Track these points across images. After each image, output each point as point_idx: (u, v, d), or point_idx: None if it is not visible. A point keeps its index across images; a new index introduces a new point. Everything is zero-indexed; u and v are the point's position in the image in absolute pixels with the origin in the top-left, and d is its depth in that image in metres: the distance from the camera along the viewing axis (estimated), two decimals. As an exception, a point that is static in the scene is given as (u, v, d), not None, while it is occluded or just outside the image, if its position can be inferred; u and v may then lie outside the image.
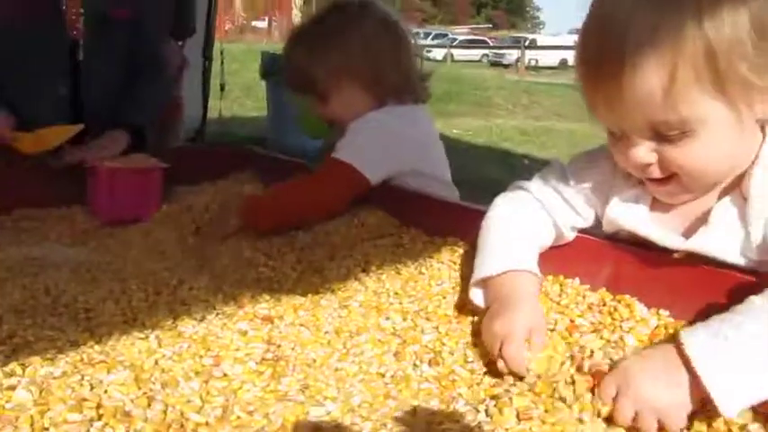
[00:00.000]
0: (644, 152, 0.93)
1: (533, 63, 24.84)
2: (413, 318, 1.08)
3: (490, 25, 52.85)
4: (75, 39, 1.97)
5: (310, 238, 1.44)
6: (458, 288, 1.16)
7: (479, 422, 0.80)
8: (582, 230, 1.14)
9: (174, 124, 3.06)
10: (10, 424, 0.74)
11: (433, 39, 29.41)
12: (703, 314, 0.87)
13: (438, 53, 23.93)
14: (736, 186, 0.94)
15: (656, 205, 1.03)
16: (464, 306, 1.11)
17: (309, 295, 1.16)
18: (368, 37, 1.61)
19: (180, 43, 3.76)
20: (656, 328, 0.93)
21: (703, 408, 0.77)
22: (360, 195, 1.53)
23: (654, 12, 0.86)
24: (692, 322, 0.88)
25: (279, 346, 0.99)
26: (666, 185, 0.97)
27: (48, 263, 1.36)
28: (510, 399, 0.82)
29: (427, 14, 54.03)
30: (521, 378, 0.89)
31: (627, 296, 1.01)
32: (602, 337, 0.94)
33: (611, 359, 0.87)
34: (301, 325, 1.05)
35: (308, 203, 1.54)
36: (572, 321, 0.99)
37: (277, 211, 1.55)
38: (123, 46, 2.02)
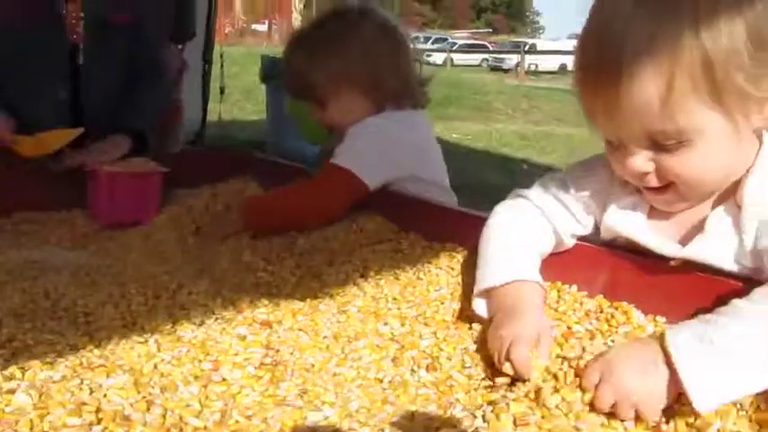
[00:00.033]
0: (641, 161, 0.94)
1: (533, 68, 24.86)
2: (411, 323, 1.09)
3: (490, 30, 52.89)
4: (75, 43, 1.97)
5: (309, 244, 1.45)
6: (456, 294, 1.17)
7: (476, 427, 0.80)
8: (580, 237, 1.14)
9: (173, 128, 3.06)
10: (10, 428, 0.74)
11: (432, 43, 29.47)
12: (699, 321, 0.87)
13: (438, 57, 23.95)
14: (732, 194, 0.95)
15: (654, 213, 1.04)
16: (462, 312, 1.12)
17: (308, 300, 1.16)
18: (367, 43, 1.62)
19: (180, 46, 3.77)
20: (652, 334, 0.94)
21: (679, 402, 0.80)
22: (358, 201, 1.54)
23: (651, 21, 0.86)
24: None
25: (277, 350, 0.99)
26: (664, 194, 0.98)
27: (48, 266, 1.36)
28: (507, 404, 0.82)
29: (427, 19, 54.09)
30: (524, 381, 0.89)
31: (624, 303, 1.02)
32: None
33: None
34: (300, 330, 1.06)
35: (306, 208, 1.54)
36: (569, 328, 0.99)
37: (276, 214, 1.56)
38: (123, 50, 2.03)
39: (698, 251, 0.96)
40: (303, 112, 1.74)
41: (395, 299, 1.17)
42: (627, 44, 0.86)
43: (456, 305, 1.13)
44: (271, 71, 6.68)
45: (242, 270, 1.36)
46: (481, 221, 1.18)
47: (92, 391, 0.83)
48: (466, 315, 1.10)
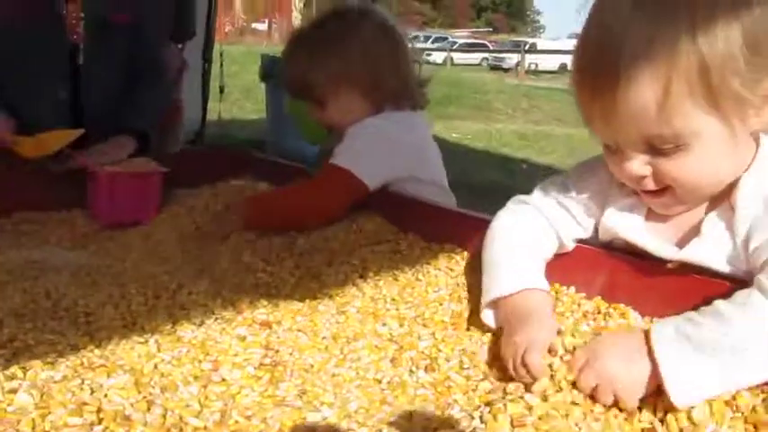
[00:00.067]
0: (638, 165, 0.95)
1: (533, 67, 24.88)
2: (410, 324, 1.09)
3: (490, 29, 52.88)
4: (75, 43, 1.98)
5: (309, 244, 1.45)
6: (454, 295, 1.18)
7: (474, 428, 0.81)
8: (579, 240, 1.15)
9: (174, 127, 3.07)
10: (12, 427, 0.75)
11: (432, 42, 29.46)
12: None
13: (438, 56, 23.95)
14: (728, 197, 0.95)
15: (651, 215, 1.05)
16: (461, 313, 1.12)
17: (307, 301, 1.17)
18: (367, 43, 1.63)
19: (180, 46, 3.77)
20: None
21: (658, 394, 0.82)
22: (358, 201, 1.54)
23: (648, 26, 0.87)
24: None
25: (277, 351, 1.00)
26: (661, 197, 0.98)
27: (48, 266, 1.37)
28: (504, 405, 0.83)
29: (427, 17, 54.05)
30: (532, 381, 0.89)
31: (621, 305, 1.03)
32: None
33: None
34: (299, 330, 1.06)
35: (306, 208, 1.55)
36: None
37: (275, 214, 1.57)
38: (123, 50, 2.03)
39: (694, 254, 0.96)
40: (302, 112, 1.74)
41: (393, 300, 1.17)
42: (624, 49, 0.87)
43: (454, 306, 1.14)
44: (271, 70, 6.68)
45: (242, 270, 1.37)
46: (480, 223, 1.19)
47: (93, 391, 0.84)
48: (464, 317, 1.11)
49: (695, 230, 0.98)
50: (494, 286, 1.05)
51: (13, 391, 0.81)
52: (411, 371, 0.98)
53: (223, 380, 0.91)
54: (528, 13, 70.83)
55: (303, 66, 1.65)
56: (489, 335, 1.06)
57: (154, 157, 1.86)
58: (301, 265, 1.38)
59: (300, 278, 1.33)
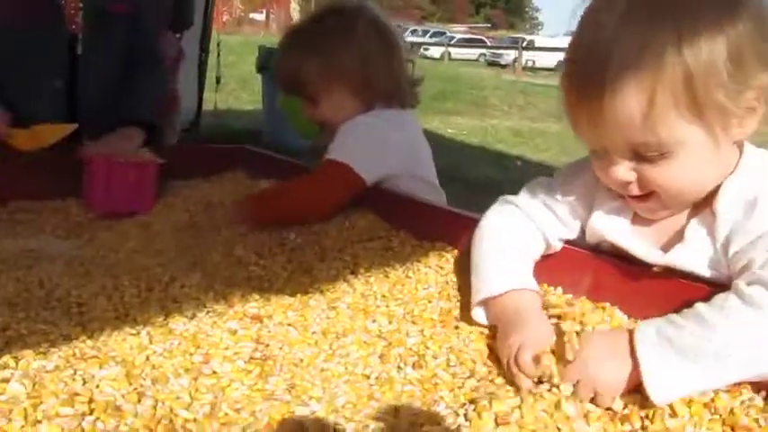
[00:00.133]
0: (624, 171, 0.97)
1: (530, 64, 24.85)
2: (399, 321, 1.11)
3: (489, 25, 52.84)
4: (73, 33, 1.98)
5: (301, 239, 1.46)
6: (444, 293, 1.19)
7: (459, 425, 0.82)
8: (566, 241, 1.17)
9: (170, 117, 3.07)
10: (4, 416, 0.76)
11: (430, 37, 29.47)
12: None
13: (435, 51, 23.94)
14: (710, 203, 0.97)
15: (637, 219, 1.07)
16: (449, 311, 1.14)
17: (298, 295, 1.18)
18: (361, 42, 1.64)
19: (177, 35, 3.77)
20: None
21: (637, 391, 0.85)
22: (356, 196, 1.55)
23: (636, 36, 0.88)
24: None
25: (267, 345, 1.01)
26: (646, 202, 1.00)
27: (42, 255, 1.38)
28: (489, 403, 0.84)
29: (426, 12, 53.99)
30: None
31: (607, 304, 1.05)
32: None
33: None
34: (290, 325, 1.08)
35: (307, 203, 1.56)
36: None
37: (277, 210, 1.57)
38: (122, 40, 2.03)
39: (678, 258, 0.99)
40: (295, 108, 1.75)
41: (384, 296, 1.19)
42: (611, 59, 0.89)
43: (443, 304, 1.16)
44: (267, 62, 6.68)
45: (234, 264, 1.38)
46: (471, 222, 1.20)
47: (84, 382, 0.85)
48: (452, 314, 1.12)
49: (679, 235, 1.00)
50: (483, 286, 1.07)
51: (6, 381, 0.82)
52: (399, 367, 0.99)
53: (213, 373, 0.93)
54: (526, 9, 70.81)
55: (296, 62, 1.66)
56: (477, 333, 1.07)
57: (152, 149, 1.86)
58: (293, 259, 1.39)
59: (292, 273, 1.34)
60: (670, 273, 1.00)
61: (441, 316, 1.12)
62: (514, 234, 1.12)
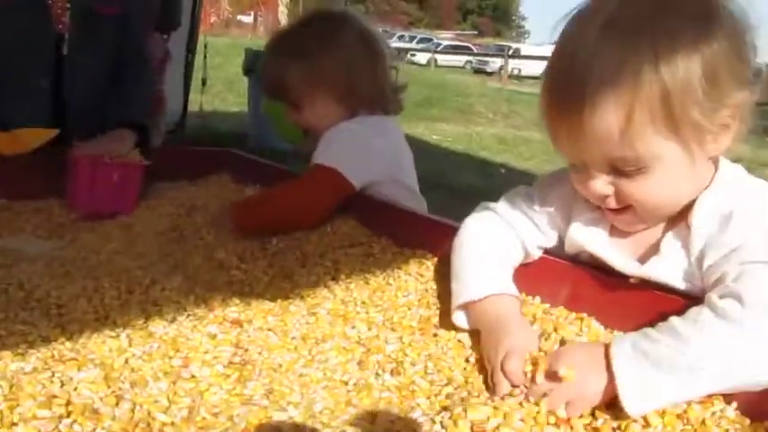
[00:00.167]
0: (601, 185, 0.98)
1: (516, 72, 24.99)
2: (378, 328, 1.12)
3: (476, 32, 53.05)
4: (60, 33, 1.97)
5: (283, 244, 1.47)
6: (423, 300, 1.20)
7: (435, 432, 0.83)
8: (545, 251, 1.18)
9: (156, 118, 3.06)
10: (-20, 418, 0.76)
11: (417, 42, 29.53)
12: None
13: (422, 57, 23.98)
14: (686, 216, 0.99)
15: (615, 230, 1.08)
16: (428, 318, 1.15)
17: (279, 301, 1.19)
18: (345, 49, 1.65)
19: (164, 36, 3.76)
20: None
21: (612, 404, 0.86)
22: (344, 201, 1.56)
23: (614, 54, 0.90)
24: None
25: (246, 350, 1.01)
26: (623, 215, 1.02)
27: (22, 256, 1.37)
28: (464, 411, 0.85)
29: (413, 17, 54.12)
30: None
31: (584, 314, 1.06)
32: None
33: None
34: (269, 330, 1.08)
35: (295, 209, 1.55)
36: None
37: (265, 217, 1.57)
38: (110, 41, 2.02)
39: (653, 271, 1.00)
40: (278, 113, 1.76)
41: (364, 303, 1.19)
42: (590, 76, 0.90)
43: (423, 311, 1.16)
44: (254, 64, 6.68)
45: (215, 268, 1.38)
46: (452, 230, 1.21)
47: (62, 384, 0.85)
48: (431, 322, 1.13)
49: (655, 248, 1.02)
50: (464, 291, 1.08)
51: (-17, 382, 0.82)
52: (377, 374, 1.00)
53: (192, 377, 0.93)
54: (513, 17, 71.16)
55: (280, 68, 1.67)
56: (455, 341, 1.08)
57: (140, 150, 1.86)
58: (275, 264, 1.40)
59: (273, 277, 1.34)
60: (646, 284, 1.02)
61: (420, 323, 1.13)
62: (494, 241, 1.14)
